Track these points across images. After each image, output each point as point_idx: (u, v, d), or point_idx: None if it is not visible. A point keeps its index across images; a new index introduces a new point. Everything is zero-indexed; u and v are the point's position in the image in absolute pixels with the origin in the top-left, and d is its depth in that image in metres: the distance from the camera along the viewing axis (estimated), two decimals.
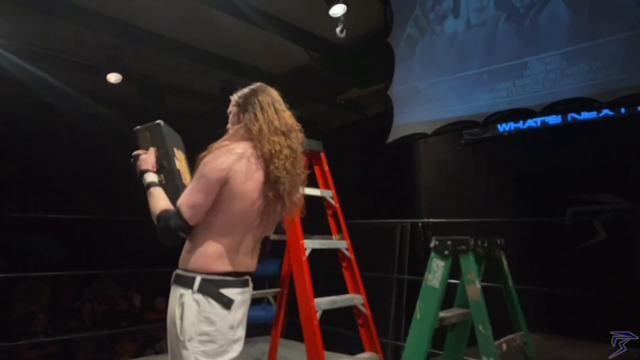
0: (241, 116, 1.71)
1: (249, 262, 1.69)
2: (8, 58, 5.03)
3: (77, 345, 5.64)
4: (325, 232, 3.14)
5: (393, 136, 4.64)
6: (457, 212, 4.86)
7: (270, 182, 1.61)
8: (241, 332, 1.67)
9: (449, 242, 2.05)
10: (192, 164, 1.70)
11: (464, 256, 2.04)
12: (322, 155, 3.30)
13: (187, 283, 1.57)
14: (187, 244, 1.66)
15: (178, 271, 1.64)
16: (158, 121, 1.81)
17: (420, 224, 4.84)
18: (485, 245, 2.16)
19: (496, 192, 5.18)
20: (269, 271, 3.44)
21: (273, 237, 3.15)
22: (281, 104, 1.73)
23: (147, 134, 1.80)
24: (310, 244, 2.88)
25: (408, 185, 5.63)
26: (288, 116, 1.72)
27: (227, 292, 1.59)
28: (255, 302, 2.89)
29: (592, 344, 3.93)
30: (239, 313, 1.63)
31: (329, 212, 3.26)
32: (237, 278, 1.63)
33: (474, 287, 2.00)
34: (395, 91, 4.74)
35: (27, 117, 6.08)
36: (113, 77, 5.60)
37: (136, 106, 6.24)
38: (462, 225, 4.30)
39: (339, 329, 3.78)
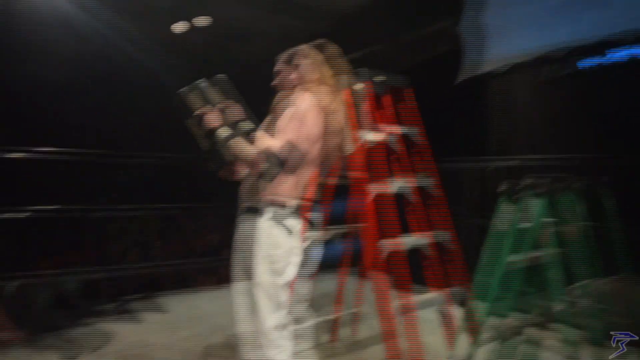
0: (303, 70, 1.95)
1: (304, 199, 1.94)
2: (71, 11, 5.10)
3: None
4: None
5: (464, 75, 4.42)
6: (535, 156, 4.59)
7: (335, 131, 1.88)
8: (297, 258, 1.92)
9: (545, 180, 1.92)
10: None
11: (562, 194, 1.93)
12: (408, 90, 3.20)
13: (263, 212, 1.85)
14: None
15: (253, 202, 1.89)
16: (202, 80, 1.90)
17: (492, 167, 4.67)
18: (586, 182, 2.02)
19: (579, 134, 4.81)
20: (338, 211, 3.51)
21: (339, 181, 3.19)
22: (337, 60, 1.97)
23: (197, 93, 1.89)
24: (377, 187, 2.89)
25: (481, 127, 5.36)
26: (341, 73, 1.97)
27: (292, 221, 1.87)
28: (325, 240, 3.01)
29: None
30: (297, 239, 1.91)
31: (413, 151, 3.21)
32: (299, 210, 1.90)
33: (571, 226, 1.90)
34: (466, 27, 4.47)
35: (91, 69, 6.25)
36: (178, 27, 5.72)
37: (201, 55, 6.35)
38: (536, 168, 4.07)
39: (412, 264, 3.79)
